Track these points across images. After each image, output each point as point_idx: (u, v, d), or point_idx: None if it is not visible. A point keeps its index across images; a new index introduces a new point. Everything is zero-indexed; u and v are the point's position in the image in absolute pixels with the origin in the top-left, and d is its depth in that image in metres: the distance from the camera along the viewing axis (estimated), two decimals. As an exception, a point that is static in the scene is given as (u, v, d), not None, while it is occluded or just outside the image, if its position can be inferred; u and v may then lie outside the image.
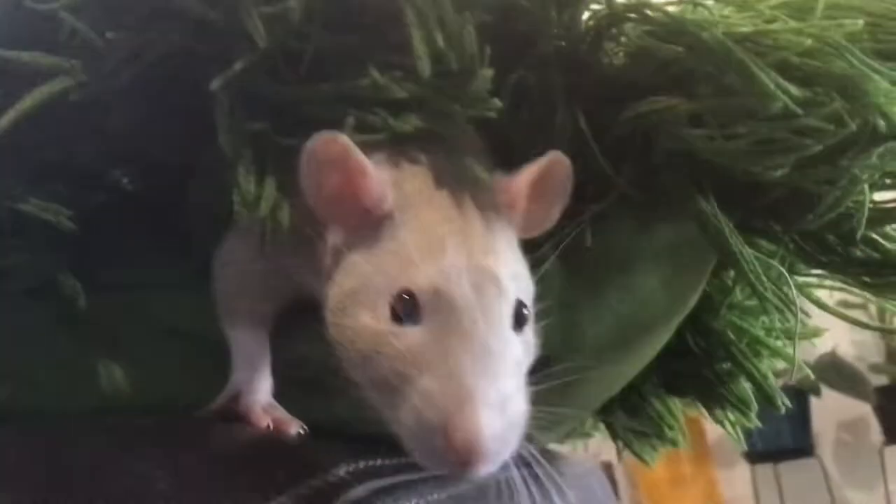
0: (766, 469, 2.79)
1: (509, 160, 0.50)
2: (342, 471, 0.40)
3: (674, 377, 0.67)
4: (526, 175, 0.47)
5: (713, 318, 0.63)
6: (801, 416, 2.66)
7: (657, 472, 2.61)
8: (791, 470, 2.75)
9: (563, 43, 0.52)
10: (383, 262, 0.43)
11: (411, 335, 0.41)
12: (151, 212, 0.53)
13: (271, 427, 0.50)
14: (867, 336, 2.68)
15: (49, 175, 0.51)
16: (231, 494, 0.34)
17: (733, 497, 2.89)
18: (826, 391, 2.55)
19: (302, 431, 0.50)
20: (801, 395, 2.53)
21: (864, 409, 2.75)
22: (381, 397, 0.42)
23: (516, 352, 0.43)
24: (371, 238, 0.44)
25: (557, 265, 0.52)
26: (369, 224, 0.45)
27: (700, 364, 0.65)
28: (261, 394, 0.52)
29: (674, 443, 0.73)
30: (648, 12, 0.50)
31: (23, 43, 0.47)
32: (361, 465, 0.43)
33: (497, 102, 0.47)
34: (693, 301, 0.58)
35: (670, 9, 0.51)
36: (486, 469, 0.39)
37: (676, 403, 0.71)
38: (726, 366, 0.64)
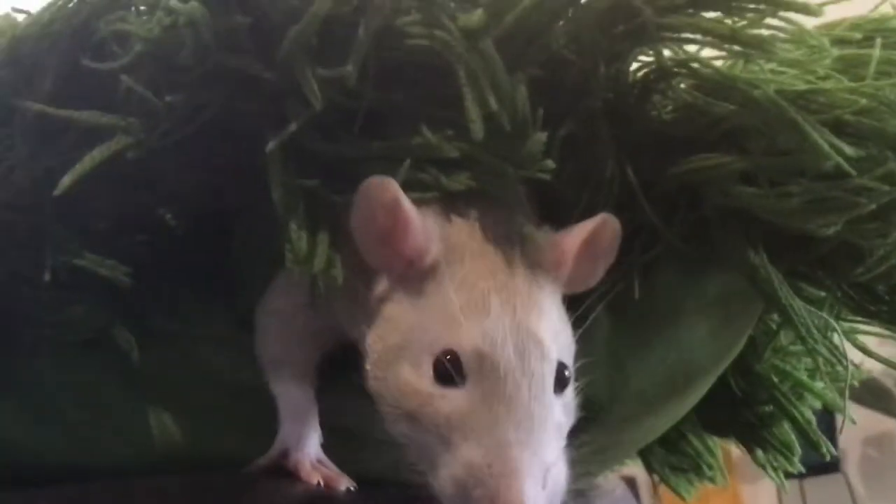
0: (791, 485, 2.76)
1: (555, 211, 0.51)
2: None
3: (714, 417, 0.67)
4: (577, 234, 0.47)
5: (756, 361, 0.63)
6: (827, 432, 2.63)
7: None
8: (816, 486, 2.71)
9: (611, 96, 0.51)
10: (427, 317, 0.43)
11: (454, 399, 0.41)
12: (199, 263, 0.54)
13: (321, 484, 0.50)
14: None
15: (100, 224, 0.52)
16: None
17: (758, 511, 2.87)
18: (853, 406, 2.53)
19: (352, 488, 0.50)
20: (826, 410, 2.51)
21: (891, 425, 2.72)
22: (422, 456, 0.42)
23: (558, 416, 0.43)
24: (415, 290, 0.44)
25: (605, 316, 0.52)
26: (414, 275, 0.45)
27: (741, 406, 0.65)
28: (310, 449, 0.51)
29: (712, 480, 0.73)
30: (698, 68, 0.50)
31: (79, 102, 0.48)
32: None
33: (550, 164, 0.47)
34: (739, 348, 0.58)
35: (720, 64, 0.50)
36: None
37: (716, 442, 0.71)
38: (768, 409, 0.64)
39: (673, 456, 0.72)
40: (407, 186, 0.45)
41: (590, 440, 0.52)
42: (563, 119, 0.50)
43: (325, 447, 0.52)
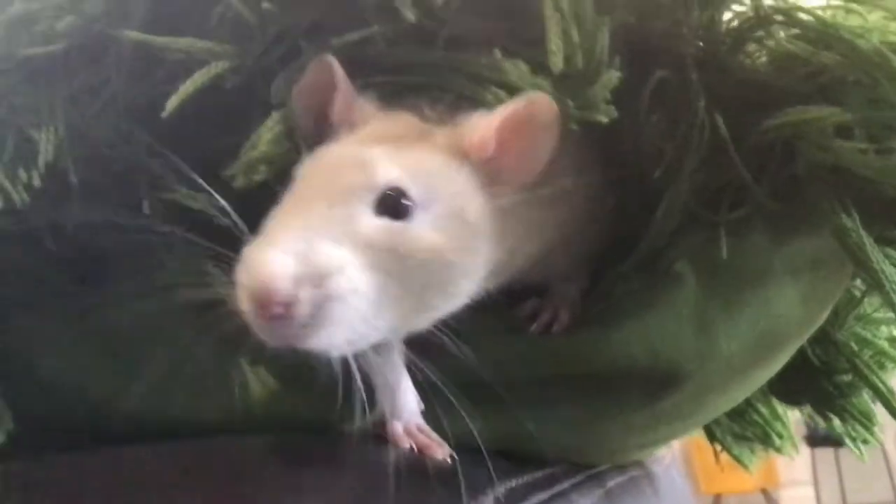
0: (826, 453, 2.75)
1: (640, 161, 0.50)
2: (498, 492, 0.40)
3: (788, 387, 0.64)
4: (499, 112, 0.44)
5: (837, 329, 0.60)
6: (865, 401, 2.61)
7: (714, 452, 2.58)
8: (852, 454, 2.71)
9: (701, 44, 0.50)
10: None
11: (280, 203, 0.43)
12: None
13: (415, 450, 0.48)
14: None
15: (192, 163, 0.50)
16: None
17: (791, 480, 2.87)
18: (891, 377, 2.50)
19: (451, 457, 0.48)
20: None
21: (930, 396, 2.70)
22: None
23: (365, 230, 0.41)
24: None
25: (692, 276, 0.51)
26: None
27: (818, 374, 0.63)
28: (406, 415, 0.50)
29: (779, 450, 0.71)
30: (798, 15, 0.48)
31: (173, 30, 0.47)
32: (514, 483, 0.44)
33: (612, 111, 0.45)
34: (826, 315, 0.55)
35: (821, 13, 0.48)
36: (292, 324, 0.38)
37: (786, 411, 0.68)
38: (847, 378, 0.62)
39: (737, 424, 0.69)
40: (464, 100, 0.46)
41: (673, 407, 0.50)
42: (653, 66, 0.48)
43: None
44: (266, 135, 0.45)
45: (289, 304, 0.37)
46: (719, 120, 0.49)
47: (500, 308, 0.47)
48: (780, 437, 0.69)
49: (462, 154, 0.44)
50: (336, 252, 0.39)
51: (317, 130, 0.45)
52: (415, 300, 0.42)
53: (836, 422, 0.65)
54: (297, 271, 0.37)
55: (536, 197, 0.46)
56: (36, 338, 0.53)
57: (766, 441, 0.69)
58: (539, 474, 0.50)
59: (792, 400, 0.66)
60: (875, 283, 0.51)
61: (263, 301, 0.37)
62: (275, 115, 0.46)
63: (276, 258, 0.37)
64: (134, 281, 0.51)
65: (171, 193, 0.49)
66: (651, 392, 0.51)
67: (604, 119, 0.45)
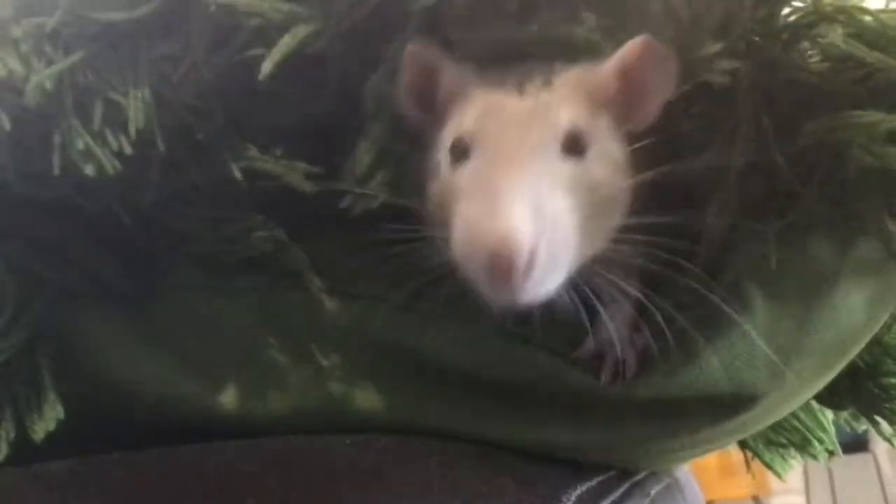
0: (818, 462, 2.75)
1: (677, 156, 0.48)
2: (574, 496, 0.42)
3: (832, 391, 0.63)
4: (614, 59, 0.46)
5: (885, 331, 0.59)
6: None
7: (707, 459, 2.57)
8: (844, 464, 2.71)
9: (756, 38, 0.49)
10: (446, 129, 0.46)
11: (462, 170, 0.43)
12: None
13: None
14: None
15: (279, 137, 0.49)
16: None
17: (783, 489, 2.86)
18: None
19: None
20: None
21: (923, 405, 2.70)
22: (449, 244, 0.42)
23: (562, 173, 0.43)
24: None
25: (760, 296, 0.49)
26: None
27: (863, 377, 0.62)
28: None
29: (814, 457, 0.70)
30: (857, 15, 0.47)
31: None
32: (581, 488, 0.45)
33: (726, 64, 0.46)
34: (884, 320, 0.54)
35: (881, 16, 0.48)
36: (530, 276, 0.39)
37: (826, 415, 0.67)
38: (893, 380, 0.61)
39: (772, 430, 0.68)
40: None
41: (740, 423, 0.51)
42: None
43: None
44: (365, 157, 0.46)
45: (532, 255, 0.38)
46: (765, 119, 0.48)
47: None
48: (821, 442, 0.68)
49: (592, 98, 0.46)
50: (558, 202, 0.41)
51: (426, 118, 0.47)
52: (589, 234, 0.43)
53: (885, 426, 0.64)
54: (535, 222, 0.39)
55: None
56: (88, 329, 0.52)
57: (803, 447, 0.69)
58: (594, 482, 0.50)
59: (834, 404, 0.66)
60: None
61: (509, 254, 0.38)
62: (367, 137, 0.46)
63: (514, 211, 0.38)
64: (190, 272, 0.50)
65: (260, 163, 0.48)
66: (723, 413, 0.50)
67: (718, 79, 0.46)
